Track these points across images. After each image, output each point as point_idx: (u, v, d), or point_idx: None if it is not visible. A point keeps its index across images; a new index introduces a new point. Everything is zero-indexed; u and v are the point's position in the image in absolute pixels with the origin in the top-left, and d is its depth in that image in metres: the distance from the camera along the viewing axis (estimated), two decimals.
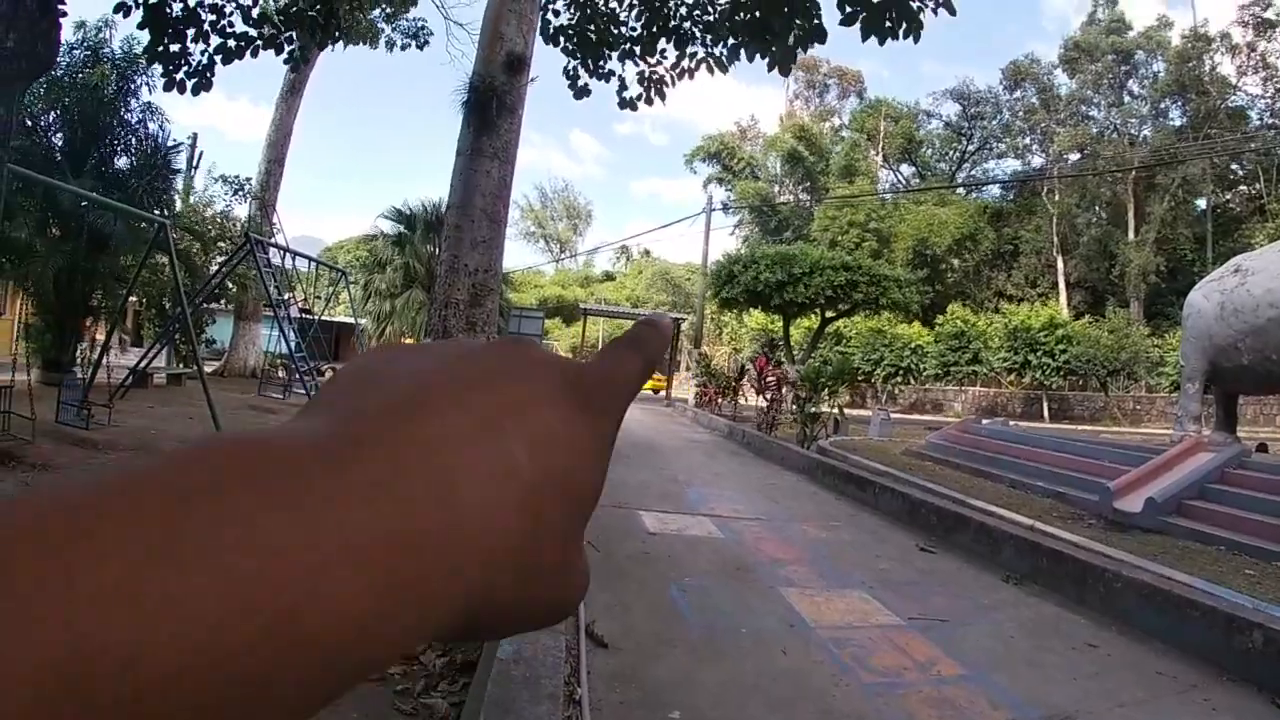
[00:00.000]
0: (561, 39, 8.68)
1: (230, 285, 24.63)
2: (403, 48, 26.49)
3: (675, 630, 5.24)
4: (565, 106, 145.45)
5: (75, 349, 17.48)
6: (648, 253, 78.93)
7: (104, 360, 13.33)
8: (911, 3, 6.82)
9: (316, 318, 23.93)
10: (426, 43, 27.03)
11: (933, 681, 4.67)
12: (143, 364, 17.91)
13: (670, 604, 5.83)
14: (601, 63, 8.79)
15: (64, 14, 7.27)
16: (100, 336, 16.73)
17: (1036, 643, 5.45)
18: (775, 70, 7.74)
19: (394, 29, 26.36)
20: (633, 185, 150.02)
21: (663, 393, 36.55)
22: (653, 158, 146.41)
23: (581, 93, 8.86)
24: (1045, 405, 34.81)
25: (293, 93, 28.10)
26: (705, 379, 28.86)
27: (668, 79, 8.59)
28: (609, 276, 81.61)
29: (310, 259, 23.25)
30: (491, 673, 3.24)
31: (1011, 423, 20.11)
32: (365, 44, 25.77)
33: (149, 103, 18.60)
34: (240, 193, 26.20)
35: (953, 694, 4.50)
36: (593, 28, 8.60)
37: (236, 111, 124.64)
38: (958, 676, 4.77)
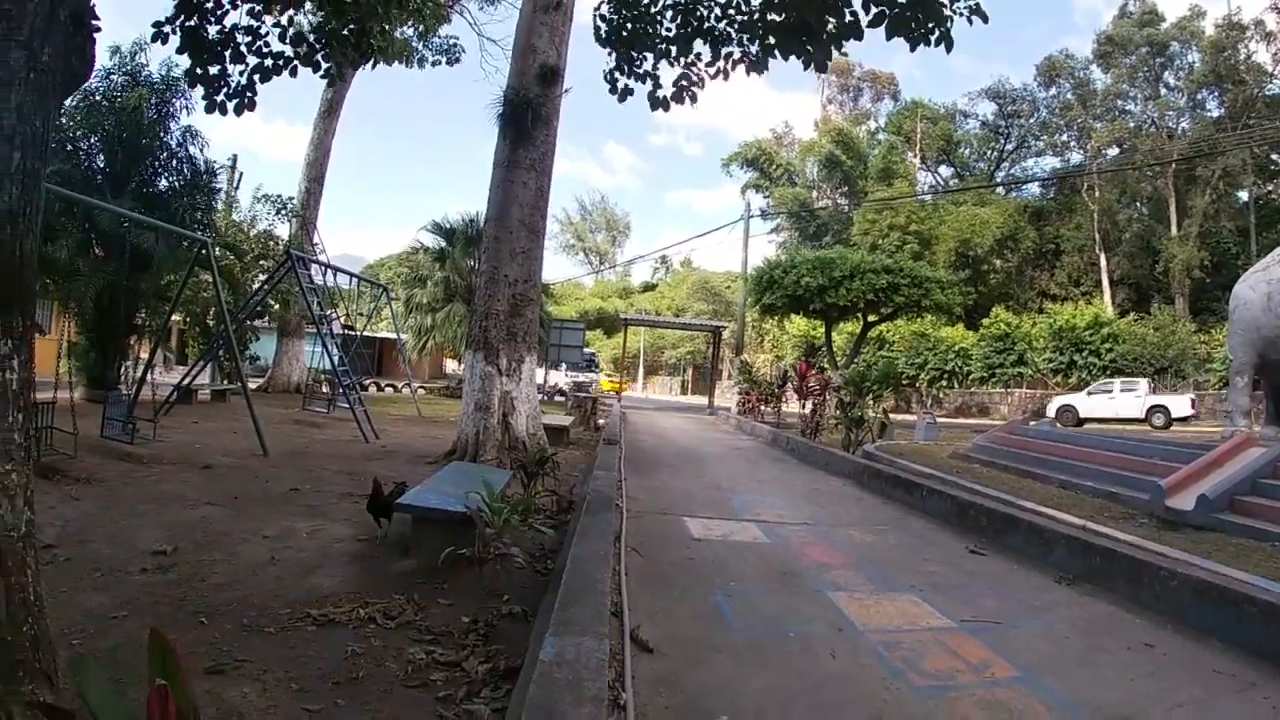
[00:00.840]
0: (615, 40, 8.66)
1: (273, 302, 24.98)
2: (433, 64, 26.78)
3: (720, 635, 5.17)
4: (599, 119, 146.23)
5: (120, 367, 17.75)
6: (688, 262, 78.90)
7: (148, 377, 13.51)
8: (942, 7, 6.71)
9: (359, 333, 24.14)
10: (458, 59, 27.34)
11: (986, 684, 4.56)
12: (187, 380, 18.16)
13: (715, 609, 5.76)
14: (638, 64, 8.74)
15: (98, 28, 7.37)
16: (144, 354, 16.97)
17: (1091, 643, 5.32)
18: (812, 69, 7.67)
19: (426, 46, 26.64)
20: (667, 196, 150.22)
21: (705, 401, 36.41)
22: (687, 168, 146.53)
23: (624, 94, 8.82)
24: None
25: (330, 113, 28.47)
26: (748, 386, 28.73)
27: (702, 79, 8.53)
28: (649, 287, 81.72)
29: (351, 275, 23.49)
30: (534, 674, 3.20)
31: (1058, 424, 19.86)
32: (400, 63, 26.05)
33: (189, 126, 18.93)
34: (283, 212, 26.61)
35: (1006, 696, 4.39)
36: (629, 27, 8.56)
37: (273, 133, 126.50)
38: (1011, 679, 4.65)
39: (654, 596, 5.79)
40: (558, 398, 33.21)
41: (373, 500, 7.24)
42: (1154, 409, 28.46)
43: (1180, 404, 28.62)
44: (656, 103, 8.72)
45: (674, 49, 8.46)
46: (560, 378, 37.98)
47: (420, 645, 4.76)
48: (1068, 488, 10.98)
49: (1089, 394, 30.71)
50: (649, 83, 8.73)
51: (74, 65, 3.52)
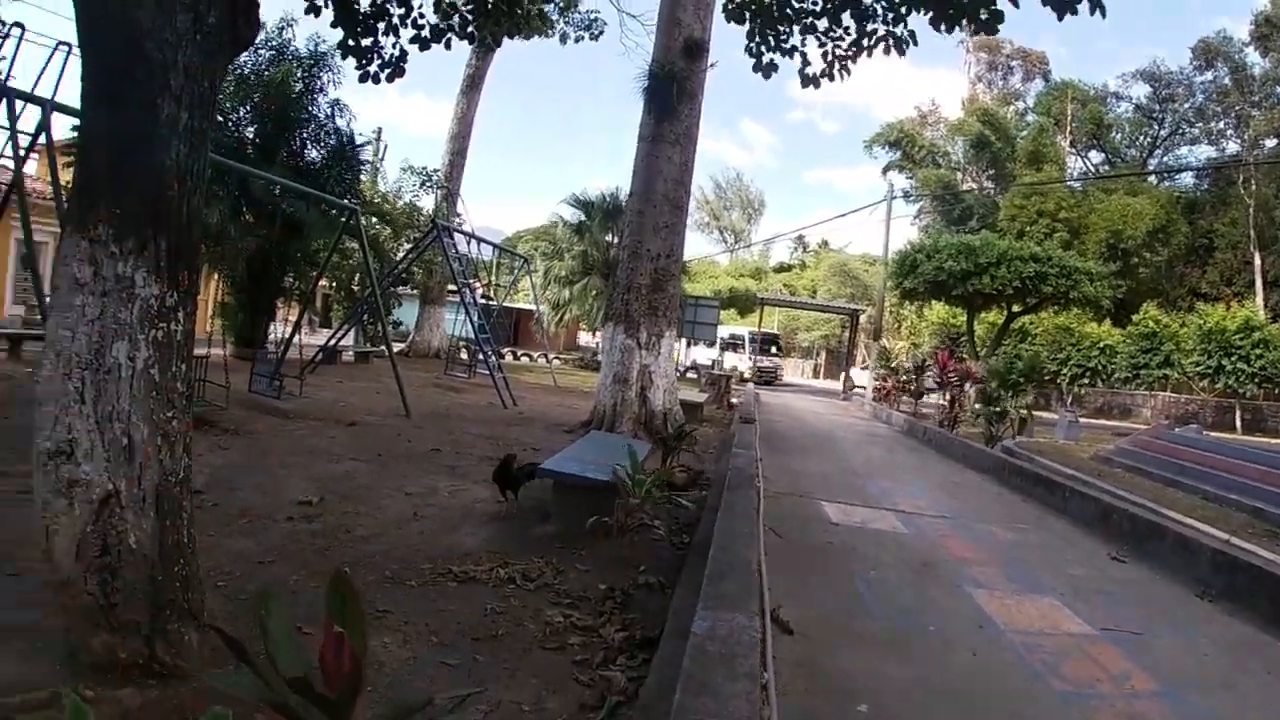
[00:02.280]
0: (746, 14, 8.49)
1: (416, 270, 25.61)
2: (576, 40, 26.87)
3: (860, 623, 5.03)
4: (736, 95, 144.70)
5: (268, 327, 18.42)
6: (825, 243, 77.50)
7: (295, 338, 13.98)
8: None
9: (499, 303, 24.56)
10: (600, 33, 27.37)
11: (1126, 696, 4.31)
12: (332, 342, 18.79)
13: (855, 595, 5.62)
14: (783, 38, 8.54)
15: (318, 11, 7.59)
16: (291, 316, 17.58)
17: (1233, 662, 4.99)
18: (962, 39, 7.36)
19: (567, 22, 26.77)
20: (805, 174, 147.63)
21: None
22: (825, 146, 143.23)
23: (768, 70, 8.63)
24: (1238, 415, 31.84)
25: (472, 87, 28.92)
26: (885, 373, 28.15)
27: (849, 55, 8.28)
28: (784, 267, 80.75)
29: (494, 245, 23.89)
30: (687, 647, 3.14)
31: (1204, 432, 18.87)
32: (540, 36, 26.22)
33: (336, 99, 19.45)
34: (427, 183, 27.22)
35: (1146, 709, 4.14)
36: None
37: (411, 105, 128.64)
38: (1151, 692, 4.39)
39: (793, 578, 5.67)
40: (689, 374, 33.11)
41: (501, 470, 7.29)
42: None
43: None
44: (807, 80, 8.51)
45: (820, 23, 8.24)
46: (701, 354, 37.54)
47: (558, 608, 4.79)
48: (1212, 500, 10.43)
49: None
50: (796, 58, 8.54)
51: (239, 28, 3.59)
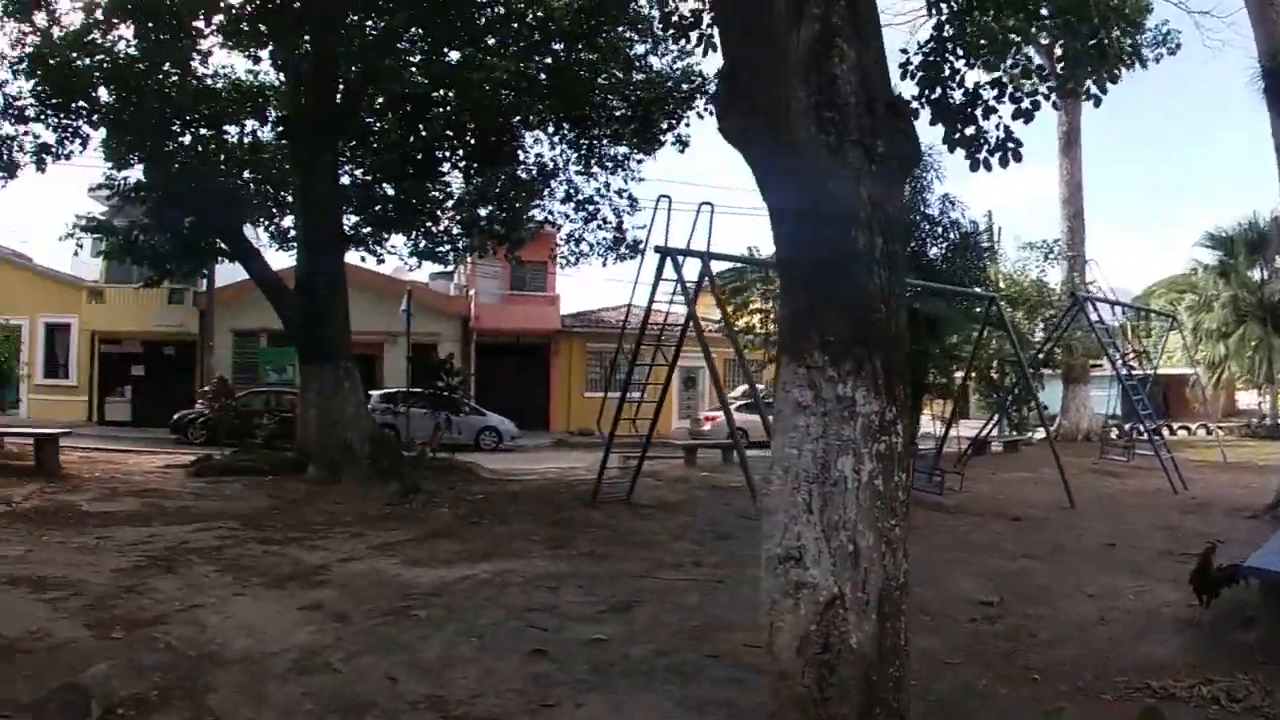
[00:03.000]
0: None
1: (1057, 350, 24.60)
2: (1156, 60, 24.41)
3: None
4: None
5: (917, 423, 18.75)
6: None
7: (949, 432, 14.10)
8: None
9: (1151, 372, 22.61)
10: (1178, 46, 24.48)
11: None
12: (984, 433, 18.65)
13: None
14: None
15: (916, 113, 7.92)
16: (929, 411, 17.73)
17: None
18: None
19: (1142, 43, 24.56)
20: None
21: None
22: None
23: None
24: None
25: (1070, 144, 27.48)
26: None
27: None
28: None
29: (1140, 309, 22.15)
30: None
31: None
32: (1126, 68, 24.22)
33: (945, 194, 19.64)
34: (1050, 256, 26.28)
35: None
36: None
37: (1002, 177, 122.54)
38: None
39: None
40: None
41: (1199, 571, 6.41)
42: None
43: None
44: None
45: None
46: None
47: None
48: None
49: None
50: None
51: (902, 148, 3.79)
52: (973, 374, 23.40)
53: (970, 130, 8.10)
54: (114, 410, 29.12)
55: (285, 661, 4.93)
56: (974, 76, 8.15)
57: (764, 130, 3.70)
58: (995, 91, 8.11)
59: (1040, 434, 22.11)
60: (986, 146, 8.18)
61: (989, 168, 8.19)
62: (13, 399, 20.72)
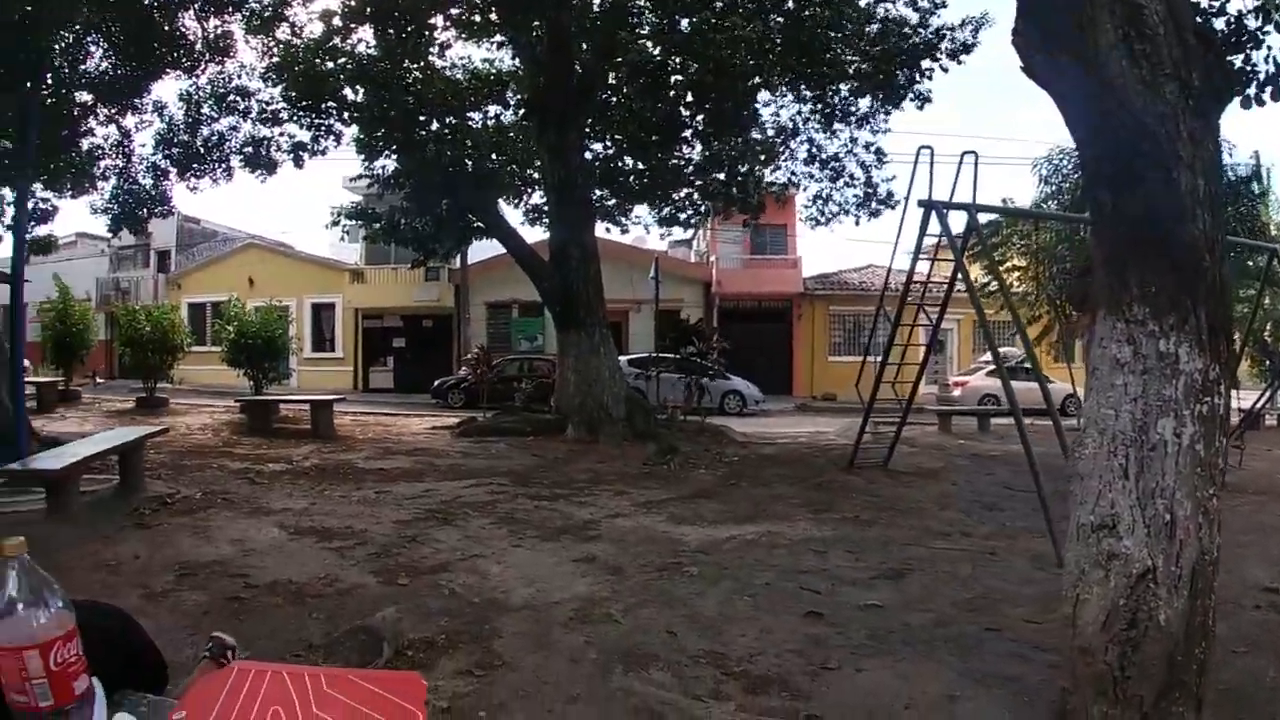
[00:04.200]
0: None
1: None
2: None
3: None
4: None
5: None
6: None
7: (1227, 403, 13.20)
8: None
9: None
10: None
11: None
12: (1259, 404, 17.28)
13: None
14: None
15: None
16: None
17: None
18: None
19: None
20: None
21: None
22: None
23: None
24: None
25: None
26: None
27: None
28: None
29: None
30: None
31: None
32: None
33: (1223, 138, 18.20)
34: None
35: None
36: None
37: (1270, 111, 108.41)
38: None
39: None
40: None
41: None
42: None
43: None
44: None
45: None
46: None
47: None
48: None
49: None
50: None
51: (1217, 81, 3.60)
52: (1250, 339, 21.68)
53: (1237, 62, 7.54)
54: (378, 379, 32.01)
55: (567, 610, 5.19)
56: (1237, 4, 7.52)
57: (1071, 66, 3.51)
58: (1260, 20, 7.47)
59: None
60: (1256, 81, 7.57)
61: (1260, 103, 7.56)
62: (285, 370, 23.23)
